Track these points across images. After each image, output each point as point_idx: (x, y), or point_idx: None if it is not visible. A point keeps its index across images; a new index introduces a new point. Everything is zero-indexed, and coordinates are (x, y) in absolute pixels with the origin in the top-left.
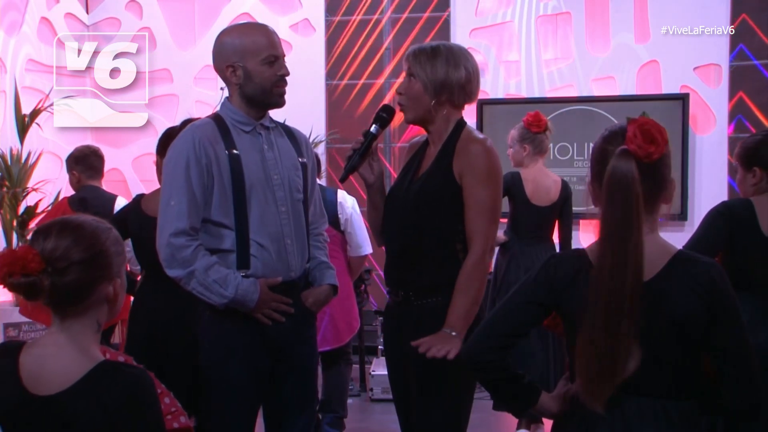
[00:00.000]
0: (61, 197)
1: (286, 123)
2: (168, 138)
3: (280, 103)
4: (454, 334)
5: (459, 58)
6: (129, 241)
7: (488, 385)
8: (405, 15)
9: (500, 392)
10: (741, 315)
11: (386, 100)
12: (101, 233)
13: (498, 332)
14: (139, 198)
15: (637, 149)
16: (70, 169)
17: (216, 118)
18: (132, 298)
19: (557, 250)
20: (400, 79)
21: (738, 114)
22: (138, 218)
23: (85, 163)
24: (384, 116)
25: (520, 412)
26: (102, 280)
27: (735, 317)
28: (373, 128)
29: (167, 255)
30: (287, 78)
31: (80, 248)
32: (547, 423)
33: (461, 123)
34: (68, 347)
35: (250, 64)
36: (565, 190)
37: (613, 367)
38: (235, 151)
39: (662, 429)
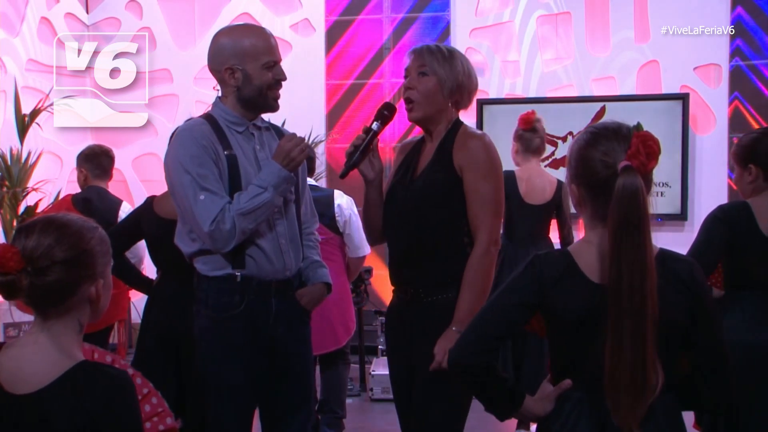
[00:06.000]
0: (61, 197)
1: (286, 123)
2: None
3: (274, 107)
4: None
5: (470, 65)
6: (142, 242)
7: (473, 388)
8: (405, 15)
9: (485, 396)
10: (718, 313)
11: (386, 100)
12: (86, 232)
13: (484, 335)
14: (151, 200)
15: (640, 165)
16: (79, 166)
17: (208, 118)
18: (130, 299)
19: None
20: (400, 79)
21: (738, 114)
22: (152, 220)
23: (94, 161)
24: (386, 113)
25: (504, 416)
26: (85, 281)
27: (714, 315)
28: (374, 125)
29: (215, 241)
30: (286, 80)
31: (63, 247)
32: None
33: (458, 121)
34: (48, 347)
35: (250, 68)
36: (561, 190)
37: (644, 384)
38: (232, 152)
39: (644, 421)
